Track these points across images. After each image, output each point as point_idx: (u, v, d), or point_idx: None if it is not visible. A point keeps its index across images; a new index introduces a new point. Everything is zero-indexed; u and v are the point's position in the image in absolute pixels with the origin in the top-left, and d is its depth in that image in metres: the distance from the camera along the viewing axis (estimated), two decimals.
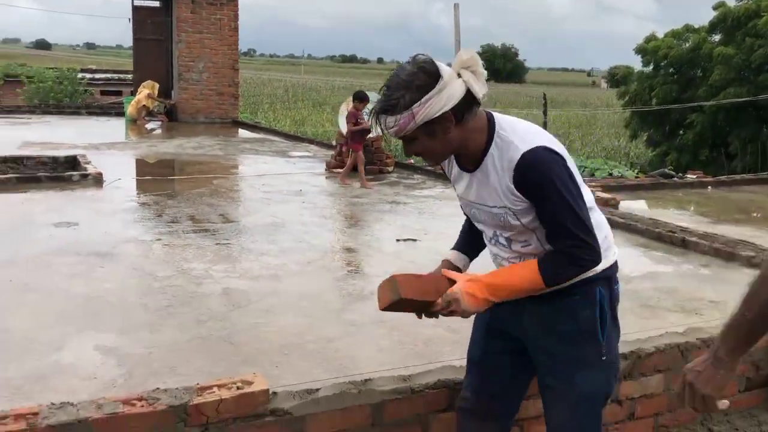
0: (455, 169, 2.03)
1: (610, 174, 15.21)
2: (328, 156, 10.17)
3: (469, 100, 1.82)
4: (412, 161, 12.00)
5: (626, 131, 24.39)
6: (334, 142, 10.64)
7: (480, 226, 2.09)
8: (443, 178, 9.09)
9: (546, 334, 2.02)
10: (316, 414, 2.11)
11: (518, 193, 1.85)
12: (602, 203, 6.73)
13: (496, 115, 1.92)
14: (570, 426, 2.06)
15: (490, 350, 2.17)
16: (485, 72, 1.85)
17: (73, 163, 8.65)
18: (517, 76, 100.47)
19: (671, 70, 21.03)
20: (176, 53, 15.00)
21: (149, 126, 14.21)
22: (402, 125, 1.80)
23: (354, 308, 4.17)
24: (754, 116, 17.98)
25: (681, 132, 20.54)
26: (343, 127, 9.52)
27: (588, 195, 1.97)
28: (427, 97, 1.77)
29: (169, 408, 1.90)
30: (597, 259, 1.88)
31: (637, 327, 3.66)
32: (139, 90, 14.67)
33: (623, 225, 6.19)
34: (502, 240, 2.02)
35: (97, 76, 27.13)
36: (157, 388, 1.98)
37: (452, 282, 1.97)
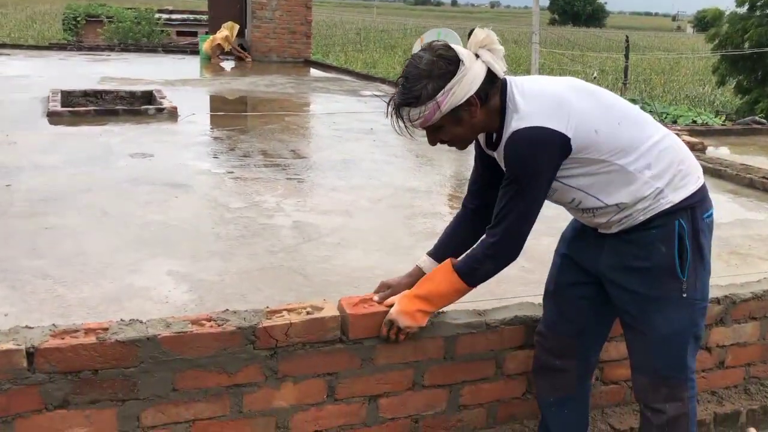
0: (480, 149, 2.03)
1: (694, 121, 14.45)
2: None
3: (491, 79, 1.78)
4: None
5: (713, 78, 23.03)
6: None
7: None
8: None
9: (622, 271, 1.92)
10: (387, 343, 2.03)
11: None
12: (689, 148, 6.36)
13: (510, 82, 1.84)
14: (652, 368, 1.94)
15: (565, 282, 2.10)
16: (502, 48, 1.80)
17: (149, 97, 8.77)
18: (597, 20, 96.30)
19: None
20: None
21: (223, 64, 14.28)
22: (428, 116, 1.75)
23: (424, 245, 4.03)
24: None
25: None
26: None
27: (649, 125, 1.91)
28: (450, 84, 1.73)
29: (238, 329, 1.85)
30: (514, 256, 1.92)
31: (726, 274, 3.43)
32: (220, 30, 14.69)
33: (711, 170, 5.83)
34: (564, 205, 2.03)
35: (174, 16, 27.37)
36: (227, 310, 1.94)
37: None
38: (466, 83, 1.73)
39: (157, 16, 24.89)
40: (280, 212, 4.54)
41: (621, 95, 13.53)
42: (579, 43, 38.42)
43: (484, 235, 1.94)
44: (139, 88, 9.41)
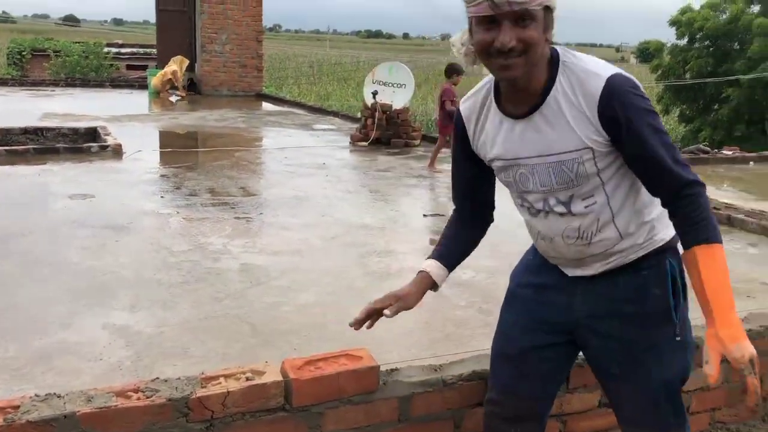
0: (495, 117, 1.65)
1: None
2: (352, 129, 9.90)
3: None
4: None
5: (657, 106, 23.72)
6: (359, 114, 10.35)
7: (524, 196, 1.69)
8: None
9: (610, 319, 1.70)
10: (337, 408, 1.87)
11: (602, 129, 1.52)
12: None
13: (557, 46, 1.58)
14: (651, 421, 1.74)
15: (532, 345, 1.80)
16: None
17: (93, 134, 8.49)
18: None
19: (707, 42, 20.30)
20: (199, 24, 14.75)
21: (172, 98, 14.03)
22: None
23: (379, 287, 3.92)
24: None
25: (716, 107, 19.88)
26: (368, 99, 9.23)
27: None
28: None
29: (169, 401, 1.66)
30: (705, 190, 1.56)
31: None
32: (168, 64, 14.48)
33: None
34: (557, 206, 1.65)
35: (124, 50, 26.99)
36: (156, 378, 1.75)
37: None
38: None
39: (106, 50, 24.50)
40: (227, 254, 4.34)
41: None
42: None
43: (684, 197, 1.53)
44: (82, 124, 9.11)
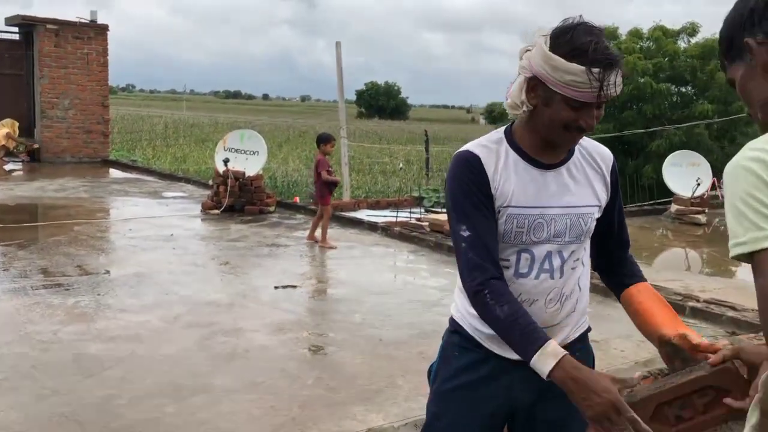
0: (517, 165, 1.63)
1: None
2: (205, 196, 9.67)
3: None
4: (296, 199, 11.66)
5: None
6: (210, 182, 10.14)
7: (529, 248, 1.65)
8: None
9: (544, 400, 1.69)
10: None
11: (610, 189, 1.74)
12: None
13: None
14: None
15: None
16: None
17: None
18: (401, 113, 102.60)
19: None
20: (38, 89, 13.98)
21: (8, 167, 13.09)
22: (619, 83, 1.55)
23: (224, 370, 3.79)
24: (621, 150, 18.96)
25: None
26: (220, 166, 9.10)
27: None
28: None
29: None
30: None
31: None
32: None
33: None
34: (556, 260, 1.65)
35: None
36: None
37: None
38: None
39: None
40: (57, 344, 4.03)
41: (424, 185, 14.11)
42: (385, 135, 40.43)
43: (630, 258, 1.82)
44: None
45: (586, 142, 1.73)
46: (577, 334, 1.74)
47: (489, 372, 1.71)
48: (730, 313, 4.86)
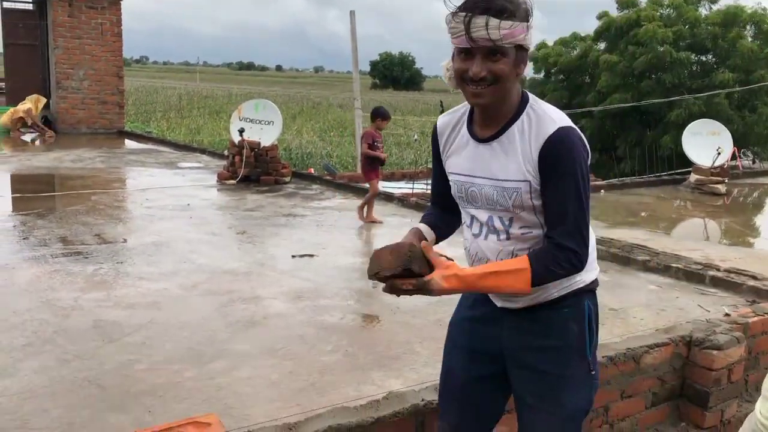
0: (463, 136, 1.86)
1: None
2: (220, 166, 9.68)
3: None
4: (311, 170, 11.65)
5: None
6: (226, 152, 10.14)
7: (471, 211, 1.89)
8: (342, 188, 8.82)
9: (530, 351, 1.87)
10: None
11: (537, 168, 1.72)
12: None
13: (529, 93, 1.83)
14: None
15: (474, 377, 1.97)
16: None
17: None
18: (416, 84, 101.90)
19: (561, 76, 21.68)
20: (53, 59, 13.98)
21: (25, 137, 13.16)
22: (514, 32, 1.65)
23: (243, 337, 3.81)
24: (639, 120, 18.77)
25: None
26: (235, 136, 9.08)
27: None
28: (531, 21, 1.69)
29: None
30: (580, 266, 1.76)
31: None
32: (23, 101, 13.59)
33: None
34: (498, 224, 1.83)
35: None
36: None
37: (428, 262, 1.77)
38: (532, 35, 1.71)
39: None
40: (78, 310, 4.06)
41: None
42: (399, 107, 40.23)
43: (554, 241, 1.73)
44: None
45: (534, 118, 1.74)
46: (545, 297, 1.84)
47: (482, 314, 1.95)
48: (751, 282, 4.81)
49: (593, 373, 1.88)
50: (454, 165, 1.88)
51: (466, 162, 1.84)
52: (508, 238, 1.82)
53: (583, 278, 1.86)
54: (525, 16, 1.67)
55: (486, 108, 1.76)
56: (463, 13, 1.63)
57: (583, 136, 1.76)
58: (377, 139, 6.95)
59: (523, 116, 1.75)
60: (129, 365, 3.36)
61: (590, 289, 1.89)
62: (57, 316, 3.97)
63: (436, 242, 1.99)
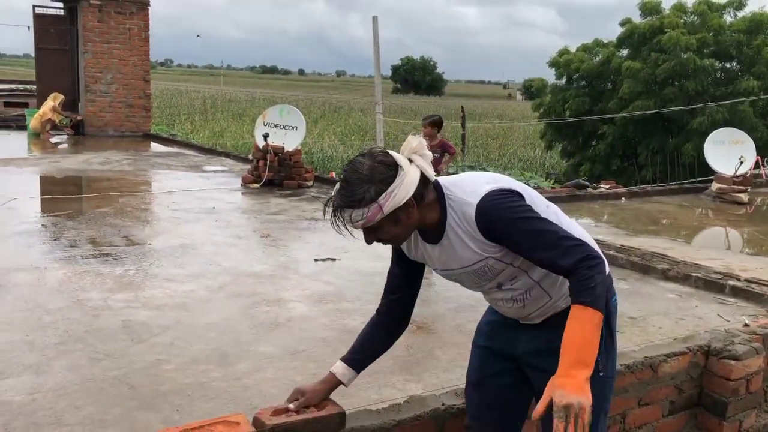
0: (419, 239, 2.05)
1: (527, 185, 15.43)
2: (244, 170, 9.83)
3: (424, 181, 1.91)
4: (333, 174, 11.80)
5: (541, 142, 24.95)
6: (250, 156, 10.29)
7: (479, 291, 2.14)
8: None
9: (543, 354, 2.01)
10: None
11: (490, 242, 1.90)
12: None
13: (441, 181, 1.98)
14: None
15: (488, 372, 2.20)
16: (430, 153, 1.94)
17: None
18: (436, 88, 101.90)
19: (583, 83, 21.61)
20: (82, 64, 14.26)
21: (54, 140, 13.44)
22: (370, 217, 1.85)
23: (267, 338, 3.91)
24: (661, 127, 18.68)
25: (594, 143, 21.11)
26: (260, 141, 9.22)
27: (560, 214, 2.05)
28: (391, 188, 1.84)
29: None
30: (598, 258, 1.84)
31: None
32: (45, 103, 13.89)
33: None
34: (492, 288, 2.06)
35: (1, 86, 25.60)
36: None
37: None
38: (405, 186, 1.85)
39: None
40: (108, 311, 4.19)
41: (460, 161, 14.14)
42: (421, 112, 40.28)
43: (571, 273, 1.82)
44: None
45: (458, 210, 1.92)
46: (548, 315, 2.06)
47: (504, 318, 2.17)
48: None
49: (602, 374, 1.94)
50: (429, 261, 2.07)
51: (435, 260, 2.04)
52: (503, 291, 2.04)
53: (557, 302, 2.04)
54: (375, 197, 1.83)
55: (406, 239, 2.00)
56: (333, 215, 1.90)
57: (492, 180, 1.94)
58: (431, 147, 7.07)
59: (449, 211, 1.93)
60: (157, 365, 3.47)
61: None
62: (87, 316, 4.10)
63: (362, 370, 2.22)
